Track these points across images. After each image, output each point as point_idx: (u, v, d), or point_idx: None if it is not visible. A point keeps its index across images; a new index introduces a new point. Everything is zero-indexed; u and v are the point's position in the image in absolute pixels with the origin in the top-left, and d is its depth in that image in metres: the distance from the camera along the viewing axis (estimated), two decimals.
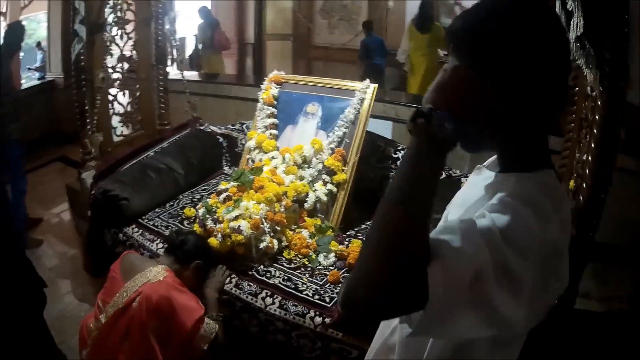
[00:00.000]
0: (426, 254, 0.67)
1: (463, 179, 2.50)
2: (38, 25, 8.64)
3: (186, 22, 7.77)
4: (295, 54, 7.87)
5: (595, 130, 1.70)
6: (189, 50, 8.08)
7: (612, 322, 2.54)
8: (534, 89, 0.76)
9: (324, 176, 2.64)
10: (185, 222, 2.70)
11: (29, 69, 7.49)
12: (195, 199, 2.97)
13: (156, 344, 1.86)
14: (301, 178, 2.68)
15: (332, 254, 2.32)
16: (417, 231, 0.68)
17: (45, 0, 6.51)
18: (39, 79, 7.33)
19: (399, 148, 2.85)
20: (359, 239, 2.49)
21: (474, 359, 0.85)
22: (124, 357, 1.87)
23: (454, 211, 0.96)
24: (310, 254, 2.33)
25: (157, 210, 2.84)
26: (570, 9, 1.57)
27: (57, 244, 3.73)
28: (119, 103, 3.75)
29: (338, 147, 2.68)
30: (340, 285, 2.10)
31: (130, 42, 3.77)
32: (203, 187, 3.19)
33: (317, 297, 2.02)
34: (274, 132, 2.98)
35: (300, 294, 2.05)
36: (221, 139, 3.53)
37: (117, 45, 3.57)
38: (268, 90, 3.03)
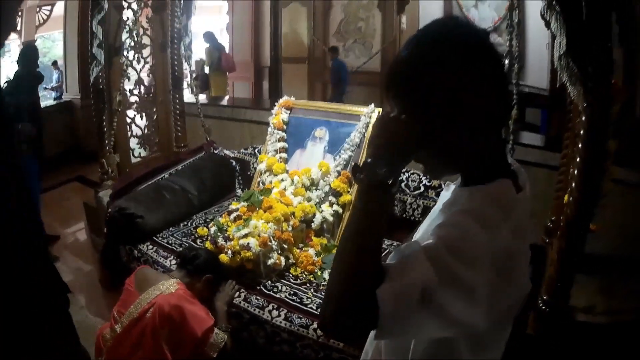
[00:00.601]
0: (376, 279, 0.79)
1: None
2: (53, 44, 8.85)
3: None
4: (310, 77, 7.90)
5: (579, 145, 1.78)
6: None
7: (617, 334, 2.57)
8: (461, 122, 0.85)
9: (331, 197, 2.76)
10: (198, 241, 2.83)
11: (45, 88, 7.64)
12: (208, 219, 3.10)
13: (168, 352, 1.97)
14: (309, 199, 2.80)
15: None
16: (366, 261, 0.81)
17: (61, 19, 6.68)
18: (54, 98, 7.51)
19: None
20: None
21: (456, 358, 0.92)
22: None
23: (424, 224, 1.08)
24: (316, 270, 2.44)
25: (171, 229, 2.97)
26: (554, 30, 1.68)
27: (73, 260, 3.85)
28: (137, 125, 3.92)
29: (344, 169, 2.80)
30: None
31: (147, 67, 3.96)
32: (216, 208, 3.32)
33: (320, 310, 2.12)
34: (284, 155, 3.12)
35: (304, 307, 2.16)
36: (234, 162, 3.67)
37: (134, 69, 3.75)
38: (278, 115, 3.19)
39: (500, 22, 5.53)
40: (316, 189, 2.84)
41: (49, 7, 7.48)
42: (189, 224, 3.07)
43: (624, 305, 2.75)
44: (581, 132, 1.81)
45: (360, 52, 7.49)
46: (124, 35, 3.64)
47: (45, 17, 7.54)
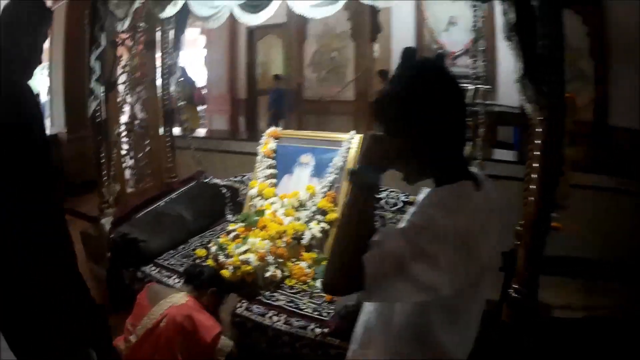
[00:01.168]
0: (362, 251, 1.05)
1: None
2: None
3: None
4: (286, 108, 8.01)
5: (538, 153, 2.04)
6: None
7: (594, 327, 2.73)
8: (433, 138, 1.14)
9: (318, 216, 3.04)
10: (197, 261, 3.03)
11: None
12: (204, 242, 3.32)
13: (181, 358, 2.21)
14: (298, 219, 3.07)
15: None
16: (355, 240, 1.09)
17: (46, 52, 6.76)
18: None
19: (381, 189, 3.26)
20: None
21: (431, 321, 1.17)
22: None
23: (404, 219, 1.36)
24: (309, 281, 2.71)
25: (170, 252, 3.20)
26: (516, 55, 2.00)
27: None
28: (131, 157, 4.15)
29: (329, 191, 3.10)
30: (334, 303, 2.45)
31: (140, 102, 4.20)
32: (210, 232, 3.55)
33: (316, 313, 2.40)
34: (273, 180, 3.41)
35: (301, 311, 2.42)
36: (224, 190, 3.91)
37: (129, 103, 4.00)
38: (267, 144, 3.49)
39: (472, 44, 5.80)
40: (304, 209, 3.12)
41: None
42: (187, 247, 3.29)
43: (598, 302, 2.99)
44: (539, 142, 2.06)
45: (334, 82, 7.63)
46: (119, 71, 3.88)
47: None
